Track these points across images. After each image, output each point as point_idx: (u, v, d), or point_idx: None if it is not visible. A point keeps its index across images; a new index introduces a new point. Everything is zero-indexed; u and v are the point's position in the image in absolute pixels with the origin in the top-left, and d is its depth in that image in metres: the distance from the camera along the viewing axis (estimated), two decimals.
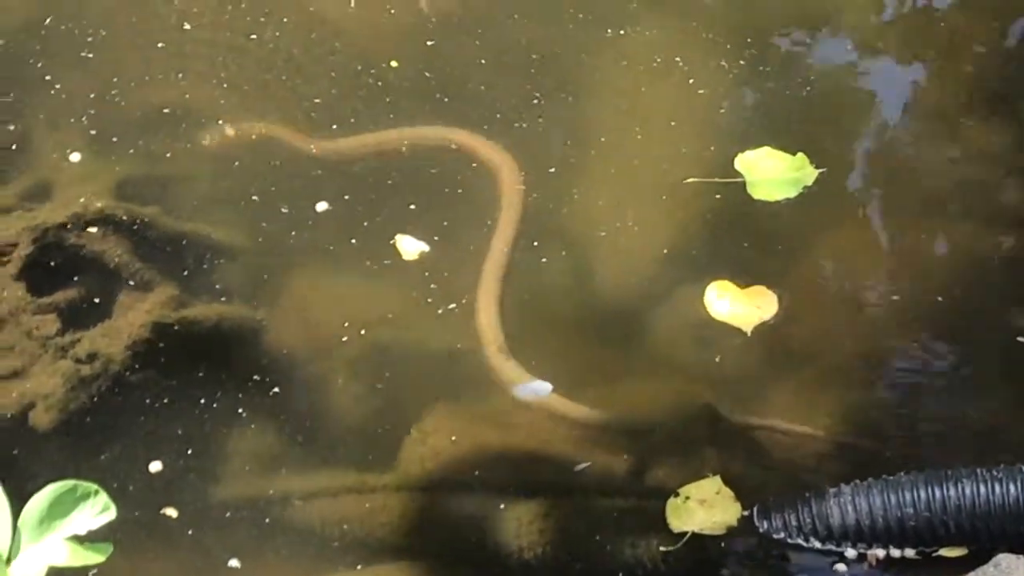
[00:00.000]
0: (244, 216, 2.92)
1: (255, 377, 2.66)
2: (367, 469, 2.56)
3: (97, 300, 2.72)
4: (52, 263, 2.74)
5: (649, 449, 2.61)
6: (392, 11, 3.33)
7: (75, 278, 2.73)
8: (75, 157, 2.97)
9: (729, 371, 2.72)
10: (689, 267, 2.88)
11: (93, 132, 3.04)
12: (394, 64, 3.20)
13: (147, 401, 2.59)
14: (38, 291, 2.69)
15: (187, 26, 3.27)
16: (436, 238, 2.90)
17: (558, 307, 2.86)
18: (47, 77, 3.12)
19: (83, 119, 3.06)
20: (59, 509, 2.08)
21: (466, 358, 2.73)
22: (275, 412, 2.62)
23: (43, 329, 2.63)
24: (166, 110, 3.10)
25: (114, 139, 3.04)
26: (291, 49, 3.24)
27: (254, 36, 3.26)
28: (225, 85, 3.16)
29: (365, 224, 2.91)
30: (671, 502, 2.50)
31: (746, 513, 2.49)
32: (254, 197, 2.95)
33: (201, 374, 2.64)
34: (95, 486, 2.09)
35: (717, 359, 2.74)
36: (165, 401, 2.60)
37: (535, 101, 3.16)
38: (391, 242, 2.88)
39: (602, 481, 2.55)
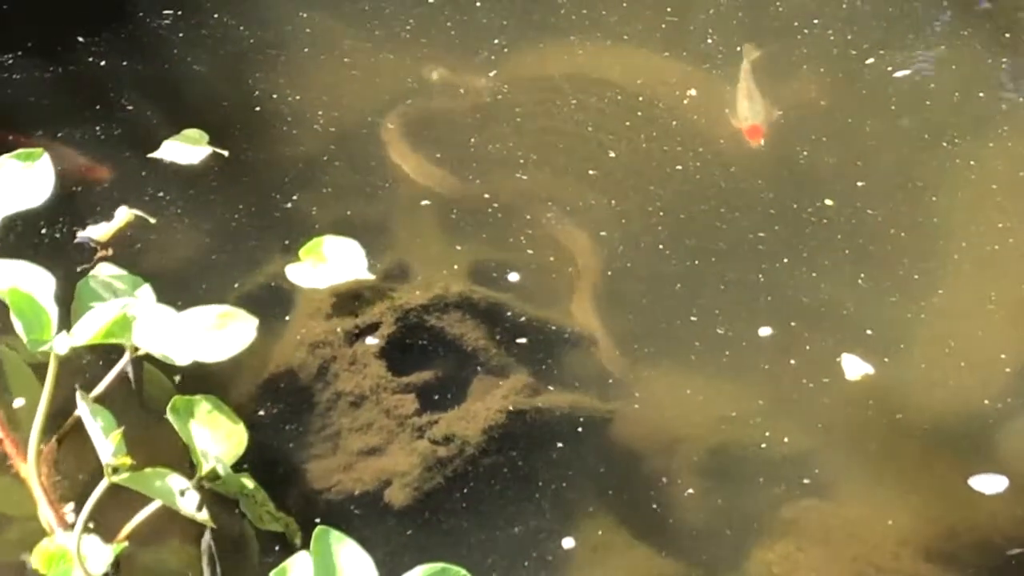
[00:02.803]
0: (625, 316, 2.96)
1: (603, 469, 2.65)
2: (713, 570, 2.52)
3: (454, 383, 2.75)
4: (413, 344, 2.79)
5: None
6: (804, 153, 3.31)
7: (434, 360, 2.78)
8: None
9: None
10: None
11: (452, 216, 3.13)
12: (828, 202, 3.18)
13: (534, 488, 2.61)
14: (398, 370, 2.74)
15: (612, 154, 3.31)
16: (886, 360, 2.86)
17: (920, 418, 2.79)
18: (485, 195, 3.19)
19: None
20: None
21: (818, 461, 2.68)
22: (623, 503, 2.62)
23: (402, 408, 2.67)
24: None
25: (467, 226, 3.11)
26: (718, 183, 3.25)
27: (679, 167, 3.28)
28: (662, 213, 3.16)
29: (807, 348, 2.89)
30: None
31: None
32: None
33: (553, 463, 2.65)
34: (463, 570, 2.14)
35: None
36: (557, 487, 2.61)
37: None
38: (836, 359, 2.85)
39: None
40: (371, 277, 2.85)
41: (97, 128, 3.26)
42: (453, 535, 2.54)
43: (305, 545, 2.22)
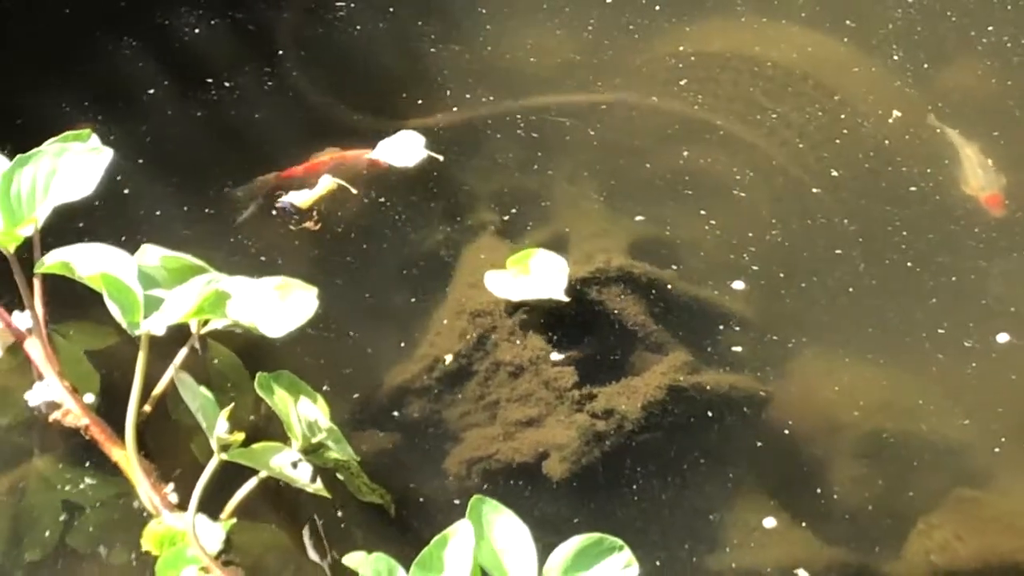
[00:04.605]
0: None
1: (759, 448, 2.66)
2: (871, 555, 2.51)
3: (613, 357, 2.76)
4: (573, 316, 2.81)
5: None
6: None
7: (593, 333, 2.79)
8: None
9: None
10: None
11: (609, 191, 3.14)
12: None
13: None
14: (558, 343, 2.76)
15: (834, 173, 3.24)
16: None
17: None
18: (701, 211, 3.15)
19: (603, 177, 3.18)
20: (583, 561, 2.17)
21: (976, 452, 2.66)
22: (780, 488, 2.62)
23: (561, 381, 2.69)
24: None
25: (627, 200, 3.12)
26: (962, 204, 3.16)
27: (912, 188, 3.19)
28: (905, 232, 3.09)
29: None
30: None
31: None
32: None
33: (710, 442, 2.66)
34: (620, 541, 2.17)
35: None
36: (716, 467, 2.62)
37: None
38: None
39: None
40: (566, 299, 2.80)
41: (297, 117, 3.28)
42: (610, 509, 2.56)
43: (399, 516, 2.29)
